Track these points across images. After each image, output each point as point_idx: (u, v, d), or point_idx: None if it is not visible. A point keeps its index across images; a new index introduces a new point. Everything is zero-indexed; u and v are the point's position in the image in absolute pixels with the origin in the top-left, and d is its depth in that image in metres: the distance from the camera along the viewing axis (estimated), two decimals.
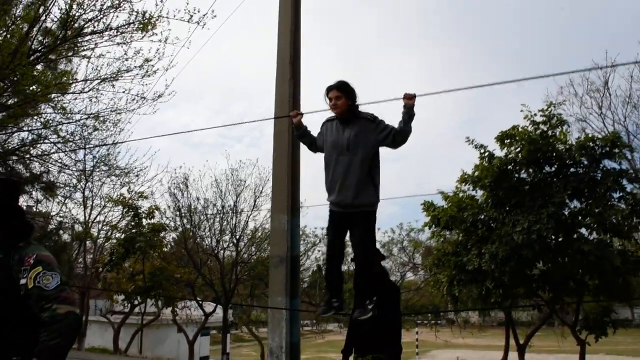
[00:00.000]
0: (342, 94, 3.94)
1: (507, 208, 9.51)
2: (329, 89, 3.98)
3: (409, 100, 3.86)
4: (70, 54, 7.08)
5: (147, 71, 7.72)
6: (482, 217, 9.68)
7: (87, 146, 8.35)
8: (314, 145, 4.26)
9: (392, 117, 4.02)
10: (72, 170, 9.48)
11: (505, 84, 4.34)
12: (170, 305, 15.63)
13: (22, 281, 1.96)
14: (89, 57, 7.10)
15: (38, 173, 12.40)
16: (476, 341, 31.85)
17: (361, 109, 4.08)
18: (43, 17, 6.66)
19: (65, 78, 7.00)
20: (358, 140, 3.88)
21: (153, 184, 17.19)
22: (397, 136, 3.89)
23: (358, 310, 3.94)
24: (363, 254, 3.97)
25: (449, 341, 31.29)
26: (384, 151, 4.08)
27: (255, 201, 16.24)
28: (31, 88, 6.64)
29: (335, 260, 4.11)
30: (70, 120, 7.89)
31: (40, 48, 6.77)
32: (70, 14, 6.66)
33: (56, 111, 7.66)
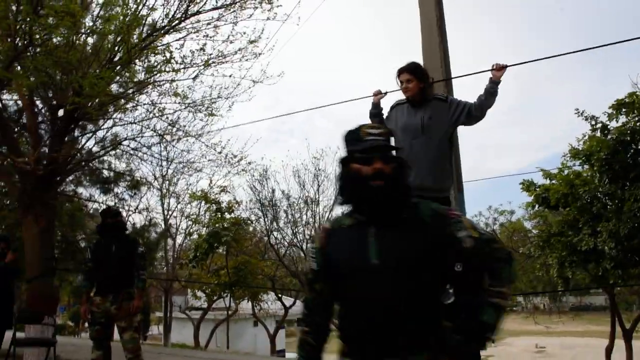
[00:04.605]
0: (413, 76, 3.72)
1: (626, 182, 8.82)
2: (400, 72, 3.79)
3: (498, 71, 3.60)
4: (188, 33, 6.76)
5: (245, 54, 7.36)
6: (598, 193, 9.02)
7: (196, 135, 8.06)
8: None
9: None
10: (175, 162, 9.26)
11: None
12: (254, 299, 15.64)
13: (463, 233, 1.76)
14: (209, 36, 6.79)
15: (122, 171, 12.41)
16: (550, 328, 30.77)
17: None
18: None
19: (189, 58, 6.70)
20: (432, 122, 3.68)
21: (231, 177, 16.66)
22: (475, 110, 3.64)
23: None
24: None
25: (521, 328, 30.34)
26: None
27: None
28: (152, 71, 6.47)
29: None
30: (185, 106, 7.60)
31: (163, 25, 6.47)
32: None
33: (168, 96, 7.39)
